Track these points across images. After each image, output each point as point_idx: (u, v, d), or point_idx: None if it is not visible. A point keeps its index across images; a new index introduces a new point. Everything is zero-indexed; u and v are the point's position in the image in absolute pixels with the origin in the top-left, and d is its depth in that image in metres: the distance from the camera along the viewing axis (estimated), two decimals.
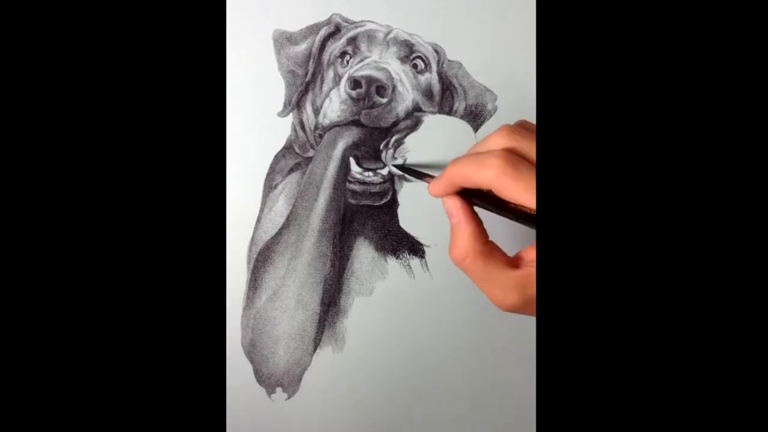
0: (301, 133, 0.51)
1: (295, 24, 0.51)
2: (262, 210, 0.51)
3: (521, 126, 0.34)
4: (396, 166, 0.49)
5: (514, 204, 0.32)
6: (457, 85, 0.51)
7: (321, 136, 0.50)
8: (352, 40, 0.50)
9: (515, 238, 0.36)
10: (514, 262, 0.33)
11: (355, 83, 0.48)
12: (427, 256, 0.51)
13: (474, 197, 0.35)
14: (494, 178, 0.31)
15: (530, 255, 0.33)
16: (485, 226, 0.35)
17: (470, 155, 0.34)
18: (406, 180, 0.51)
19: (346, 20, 0.51)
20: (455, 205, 0.35)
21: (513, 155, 0.31)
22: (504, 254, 0.34)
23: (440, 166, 0.49)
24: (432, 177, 0.44)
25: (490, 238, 0.35)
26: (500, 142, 0.33)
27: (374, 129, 0.49)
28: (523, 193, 0.30)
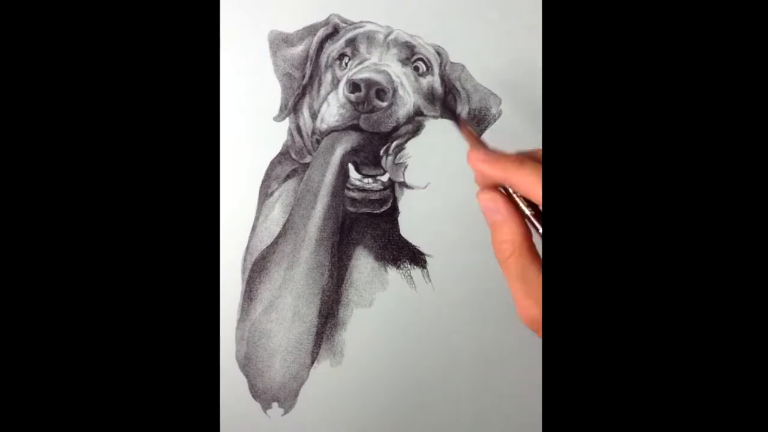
0: (297, 138, 0.51)
1: (292, 25, 0.50)
2: (257, 218, 0.50)
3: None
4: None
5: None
6: (460, 89, 0.50)
7: (318, 142, 0.50)
8: (351, 42, 0.50)
9: None
10: None
11: (354, 86, 0.47)
12: (428, 266, 0.51)
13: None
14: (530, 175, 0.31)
15: None
16: None
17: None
18: (407, 187, 0.50)
19: (345, 21, 0.50)
20: (496, 199, 0.33)
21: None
22: None
23: (444, 174, 0.49)
24: (466, 127, 0.41)
25: None
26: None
27: (374, 134, 0.49)
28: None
